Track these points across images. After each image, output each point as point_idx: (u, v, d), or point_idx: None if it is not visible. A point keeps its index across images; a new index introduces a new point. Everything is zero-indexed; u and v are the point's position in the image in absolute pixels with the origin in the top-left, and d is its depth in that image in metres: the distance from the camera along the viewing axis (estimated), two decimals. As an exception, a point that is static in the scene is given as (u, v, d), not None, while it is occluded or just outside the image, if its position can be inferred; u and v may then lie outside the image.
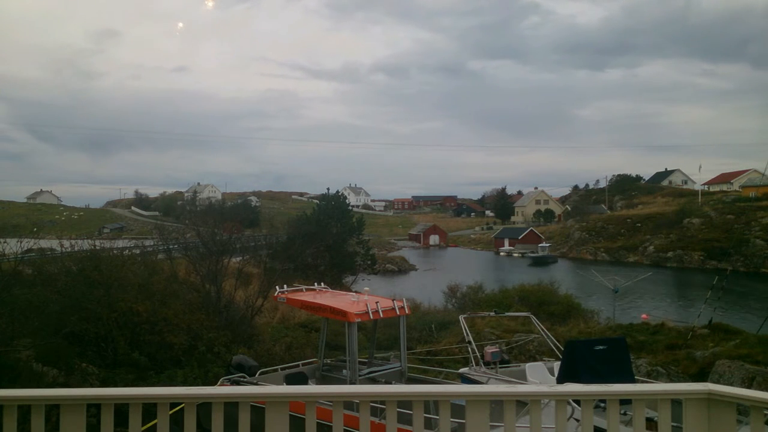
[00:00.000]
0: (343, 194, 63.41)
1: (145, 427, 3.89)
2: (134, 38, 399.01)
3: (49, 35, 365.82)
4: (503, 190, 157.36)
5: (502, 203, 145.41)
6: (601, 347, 9.11)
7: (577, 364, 8.68)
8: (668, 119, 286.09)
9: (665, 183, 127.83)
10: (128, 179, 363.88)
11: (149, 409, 3.73)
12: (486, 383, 9.60)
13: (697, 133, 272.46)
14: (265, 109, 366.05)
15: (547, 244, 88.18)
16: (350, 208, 61.89)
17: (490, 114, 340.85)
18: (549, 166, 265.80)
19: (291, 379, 10.71)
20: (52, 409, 3.85)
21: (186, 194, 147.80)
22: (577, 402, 4.43)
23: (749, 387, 12.88)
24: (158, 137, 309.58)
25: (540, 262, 78.41)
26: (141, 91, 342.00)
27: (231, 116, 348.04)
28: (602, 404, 5.48)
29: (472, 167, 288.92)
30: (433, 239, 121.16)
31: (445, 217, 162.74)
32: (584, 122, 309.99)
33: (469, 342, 11.61)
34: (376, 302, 10.24)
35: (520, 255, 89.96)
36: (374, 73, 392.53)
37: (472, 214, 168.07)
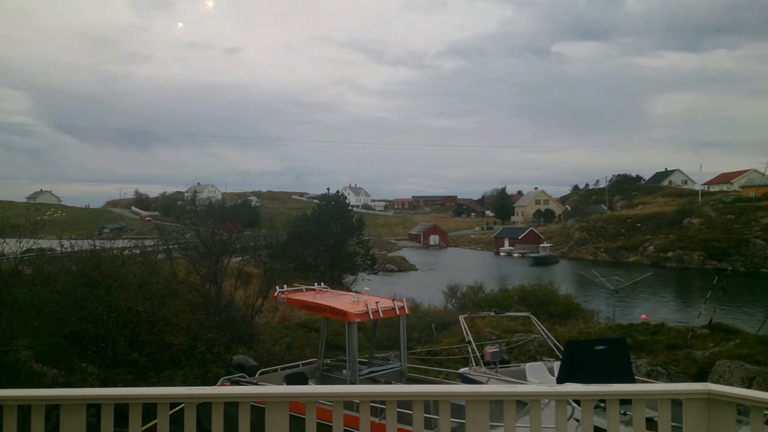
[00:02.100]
0: (343, 194, 63.38)
1: (145, 427, 3.89)
2: (187, 12, 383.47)
3: (90, 11, 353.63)
4: (503, 190, 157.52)
5: (502, 203, 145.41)
6: (601, 347, 9.11)
7: (577, 364, 8.67)
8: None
9: (665, 183, 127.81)
10: (149, 178, 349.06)
11: (149, 409, 3.73)
12: (486, 383, 9.59)
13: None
14: (311, 100, 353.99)
15: (549, 244, 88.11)
16: (350, 208, 61.86)
17: (558, 107, 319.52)
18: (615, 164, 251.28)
19: (291, 379, 10.71)
20: (52, 409, 3.84)
21: (186, 194, 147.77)
22: (577, 402, 4.43)
23: (749, 387, 12.89)
24: (191, 132, 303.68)
25: (541, 262, 78.34)
26: (181, 79, 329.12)
27: (272, 108, 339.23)
28: (602, 404, 5.48)
29: (516, 165, 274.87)
30: (433, 239, 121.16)
31: (445, 217, 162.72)
32: (660, 115, 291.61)
33: (469, 342, 11.60)
34: (376, 302, 10.24)
35: (520, 255, 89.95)
36: (442, 57, 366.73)
37: (472, 214, 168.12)
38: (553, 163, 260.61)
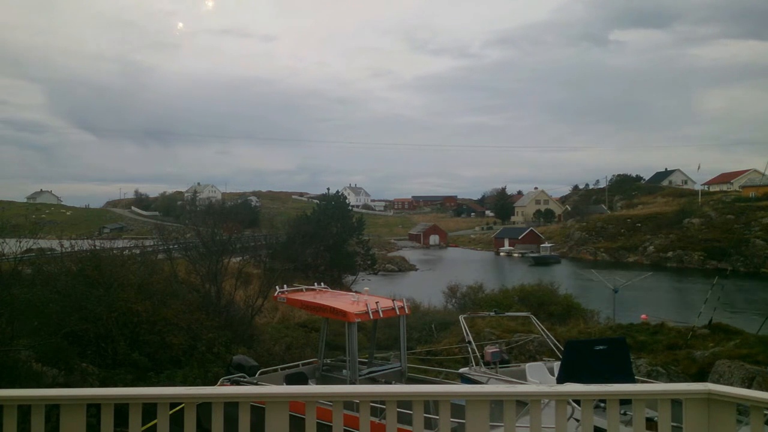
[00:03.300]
0: (343, 194, 63.42)
1: (145, 427, 3.88)
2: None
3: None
4: (503, 189, 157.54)
5: (502, 203, 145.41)
6: (601, 347, 9.11)
7: (577, 364, 8.68)
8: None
9: (665, 183, 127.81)
10: (155, 177, 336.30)
11: (149, 409, 3.73)
12: (486, 383, 9.59)
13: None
14: (341, 95, 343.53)
15: (550, 245, 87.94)
16: (350, 208, 61.89)
17: (595, 101, 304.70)
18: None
19: (291, 379, 10.72)
20: (52, 409, 3.84)
21: (186, 194, 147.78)
22: (577, 402, 4.43)
23: (749, 387, 12.88)
24: (210, 129, 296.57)
25: (542, 262, 78.22)
26: (206, 74, 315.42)
27: (297, 104, 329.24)
28: (602, 404, 5.48)
29: (536, 164, 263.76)
30: (433, 239, 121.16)
31: (445, 217, 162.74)
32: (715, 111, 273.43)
33: (469, 342, 11.60)
34: (376, 302, 10.24)
35: (519, 255, 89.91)
36: (490, 46, 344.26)
37: (472, 214, 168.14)
38: (573, 162, 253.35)
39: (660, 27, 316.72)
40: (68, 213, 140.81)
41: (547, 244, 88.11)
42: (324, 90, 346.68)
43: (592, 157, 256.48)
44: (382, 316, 10.06)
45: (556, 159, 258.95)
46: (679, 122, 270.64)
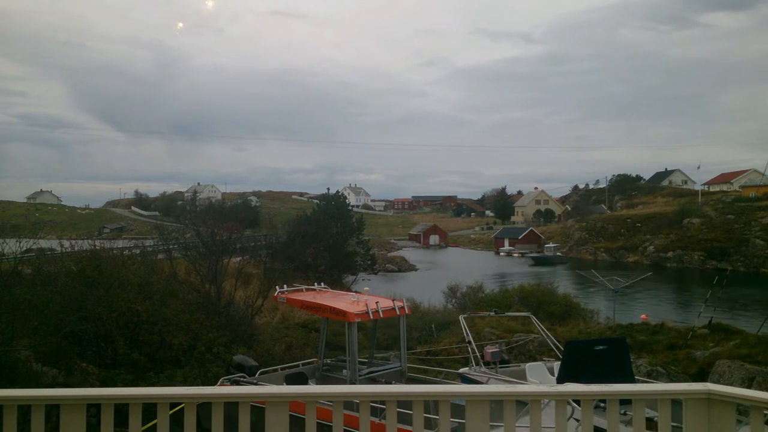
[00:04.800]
0: (343, 194, 63.42)
1: (145, 427, 3.88)
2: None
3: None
4: (503, 189, 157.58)
5: (502, 203, 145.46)
6: (601, 347, 9.11)
7: (577, 364, 8.67)
8: None
9: (665, 183, 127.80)
10: (162, 176, 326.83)
11: (149, 409, 3.73)
12: (486, 383, 9.59)
13: None
14: (380, 88, 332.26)
15: (554, 245, 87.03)
16: (350, 208, 61.90)
17: (644, 95, 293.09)
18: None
19: (291, 379, 10.72)
20: (52, 409, 3.84)
21: (186, 194, 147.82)
22: (577, 402, 4.43)
23: (749, 387, 12.88)
24: (237, 126, 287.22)
25: (544, 262, 77.90)
26: (243, 68, 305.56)
27: (331, 99, 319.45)
28: (602, 404, 5.48)
29: (560, 162, 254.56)
30: (433, 239, 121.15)
31: (445, 217, 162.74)
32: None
33: (469, 342, 11.60)
34: (376, 302, 10.24)
35: (520, 255, 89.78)
36: (555, 32, 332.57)
37: (472, 214, 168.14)
38: (605, 160, 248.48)
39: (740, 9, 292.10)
40: (82, 211, 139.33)
41: (551, 245, 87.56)
42: (363, 81, 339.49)
43: (628, 155, 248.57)
44: (382, 316, 10.06)
45: (589, 157, 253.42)
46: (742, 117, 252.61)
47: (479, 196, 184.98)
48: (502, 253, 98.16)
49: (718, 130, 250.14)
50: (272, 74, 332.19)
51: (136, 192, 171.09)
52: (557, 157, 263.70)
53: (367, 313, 9.78)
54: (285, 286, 11.91)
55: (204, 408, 3.84)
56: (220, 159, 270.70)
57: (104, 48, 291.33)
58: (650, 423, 3.88)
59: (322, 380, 11.03)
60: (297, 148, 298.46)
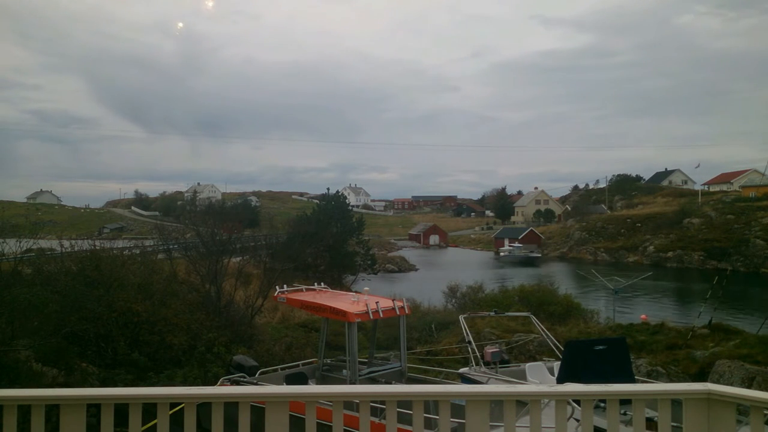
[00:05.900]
0: (343, 194, 63.35)
1: (145, 427, 3.89)
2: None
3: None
4: (503, 190, 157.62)
5: (502, 203, 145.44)
6: (601, 347, 9.11)
7: (577, 364, 8.67)
8: None
9: (665, 183, 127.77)
10: (169, 175, 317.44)
11: (149, 409, 3.73)
12: (486, 383, 9.59)
13: None
14: (412, 83, 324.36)
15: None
16: (350, 208, 61.84)
17: (678, 89, 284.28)
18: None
19: (291, 379, 10.72)
20: (52, 409, 3.84)
21: (186, 194, 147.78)
22: (577, 402, 4.43)
23: (749, 387, 12.88)
24: (263, 123, 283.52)
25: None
26: (276, 63, 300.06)
27: (361, 95, 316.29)
28: (602, 404, 5.48)
29: (580, 161, 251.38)
30: (433, 239, 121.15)
31: (445, 217, 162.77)
32: None
33: (469, 342, 11.59)
34: (376, 302, 10.24)
35: (505, 254, 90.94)
36: (611, 22, 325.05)
37: (472, 214, 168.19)
38: (632, 158, 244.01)
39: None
40: (84, 211, 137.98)
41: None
42: (390, 78, 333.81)
43: (644, 154, 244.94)
44: (382, 316, 10.06)
45: (607, 156, 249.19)
46: None
47: (479, 196, 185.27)
48: (502, 253, 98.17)
49: (746, 128, 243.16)
50: (302, 67, 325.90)
51: (136, 192, 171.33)
52: (575, 156, 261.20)
53: (367, 313, 9.78)
54: (285, 286, 11.92)
55: (204, 408, 3.84)
56: (236, 158, 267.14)
57: (128, 36, 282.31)
58: (650, 423, 3.88)
59: (322, 380, 11.04)
60: (313, 145, 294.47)
